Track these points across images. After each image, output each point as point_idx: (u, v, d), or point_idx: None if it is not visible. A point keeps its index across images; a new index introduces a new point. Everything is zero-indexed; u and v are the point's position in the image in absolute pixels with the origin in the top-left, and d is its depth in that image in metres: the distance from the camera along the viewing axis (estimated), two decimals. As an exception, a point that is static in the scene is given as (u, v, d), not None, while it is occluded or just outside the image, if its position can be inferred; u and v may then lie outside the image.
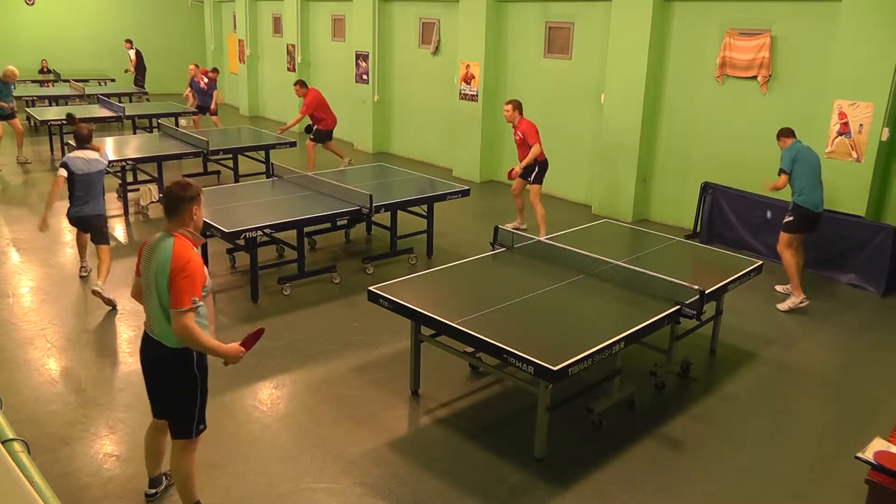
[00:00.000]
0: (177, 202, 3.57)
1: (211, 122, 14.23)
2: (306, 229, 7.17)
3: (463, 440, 4.63)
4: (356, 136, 14.77)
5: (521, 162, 8.74)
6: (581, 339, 4.31)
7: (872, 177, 7.64)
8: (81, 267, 7.31)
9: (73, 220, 6.85)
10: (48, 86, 18.13)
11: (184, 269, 3.39)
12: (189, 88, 14.21)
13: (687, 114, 9.41)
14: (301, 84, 11.63)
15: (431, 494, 4.08)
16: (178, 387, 3.58)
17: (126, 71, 18.98)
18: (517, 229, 7.81)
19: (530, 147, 8.56)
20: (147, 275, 3.56)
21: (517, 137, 8.76)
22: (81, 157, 6.79)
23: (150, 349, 3.60)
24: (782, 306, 6.91)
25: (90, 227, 6.91)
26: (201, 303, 3.46)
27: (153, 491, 3.96)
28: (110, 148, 10.18)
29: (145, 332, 3.64)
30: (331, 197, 7.46)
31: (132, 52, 18.18)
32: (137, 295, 3.80)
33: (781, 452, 4.63)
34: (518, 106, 8.73)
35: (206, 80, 14.01)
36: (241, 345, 3.58)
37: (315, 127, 11.59)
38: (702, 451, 4.61)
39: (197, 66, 14.47)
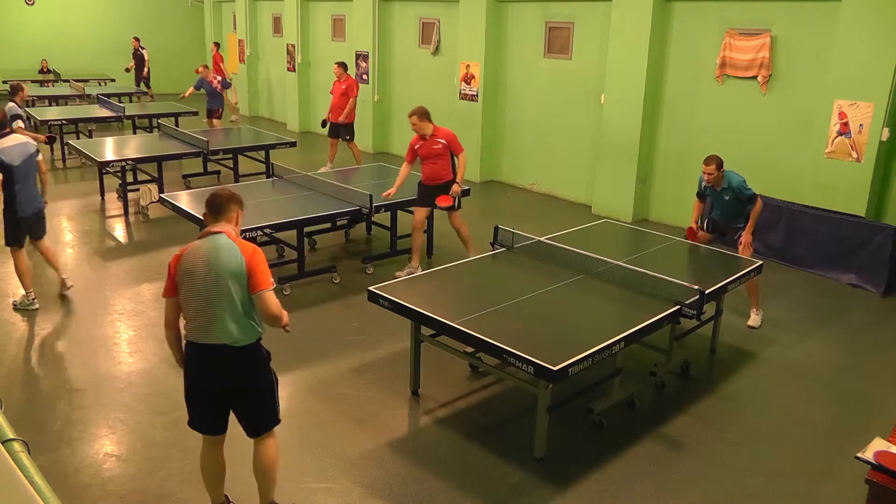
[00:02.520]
0: (225, 201, 3.60)
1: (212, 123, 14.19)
2: (306, 229, 7.17)
3: (463, 440, 4.63)
4: (356, 135, 14.75)
5: (428, 182, 7.32)
6: (581, 339, 4.31)
7: (872, 177, 7.64)
8: (63, 280, 6.61)
9: (29, 218, 6.08)
10: (48, 86, 18.13)
11: (255, 254, 3.45)
12: (191, 88, 14.14)
13: (687, 114, 9.41)
14: (344, 67, 11.64)
15: (431, 494, 4.08)
16: (262, 382, 3.57)
17: (127, 70, 18.96)
18: (411, 274, 6.94)
19: (455, 157, 7.27)
20: (206, 281, 3.38)
21: (437, 148, 7.18)
22: (10, 146, 5.85)
23: (226, 364, 3.45)
24: (754, 322, 6.52)
25: (38, 220, 6.24)
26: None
27: None
28: (110, 148, 10.20)
29: (208, 350, 3.43)
30: (331, 197, 7.46)
31: (144, 52, 18.21)
32: (174, 317, 3.56)
33: (781, 452, 4.63)
34: (425, 114, 7.19)
35: (218, 80, 13.98)
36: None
37: (343, 124, 11.62)
38: (702, 451, 4.61)
39: (206, 66, 14.46)
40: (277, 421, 3.69)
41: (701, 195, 6.66)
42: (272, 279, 3.50)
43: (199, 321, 3.42)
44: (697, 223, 6.69)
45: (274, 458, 3.69)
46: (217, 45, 17.58)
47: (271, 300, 3.42)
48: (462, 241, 7.67)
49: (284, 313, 3.51)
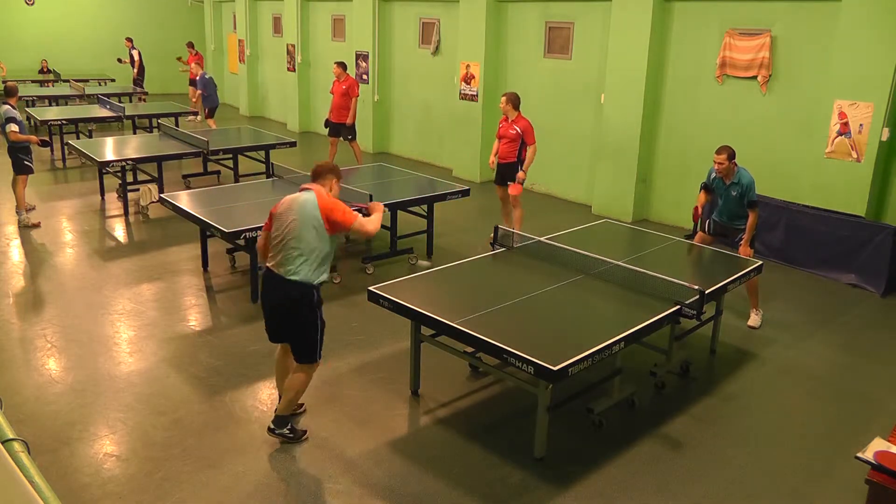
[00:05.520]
0: (324, 171, 4.50)
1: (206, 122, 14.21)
2: (306, 229, 7.17)
3: (463, 440, 4.63)
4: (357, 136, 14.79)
5: (502, 160, 8.21)
6: (581, 339, 4.31)
7: (872, 177, 7.64)
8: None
9: None
10: (48, 86, 18.12)
11: (332, 204, 4.30)
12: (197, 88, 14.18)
13: (687, 114, 9.41)
14: (344, 67, 11.65)
15: (431, 494, 4.08)
16: (305, 320, 4.34)
17: (119, 60, 18.87)
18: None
19: (525, 146, 8.05)
20: (288, 224, 4.26)
21: (511, 133, 8.06)
22: None
23: (281, 289, 4.29)
24: (754, 323, 6.50)
25: None
26: (357, 210, 4.60)
27: (273, 428, 4.60)
28: (110, 148, 10.20)
29: (273, 276, 4.31)
30: (331, 197, 7.45)
31: (135, 53, 18.15)
32: (264, 247, 4.51)
33: (781, 452, 4.63)
34: (513, 100, 8.06)
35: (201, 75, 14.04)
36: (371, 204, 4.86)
37: (346, 124, 11.61)
38: (702, 451, 4.61)
39: (197, 63, 14.48)
40: (313, 359, 4.41)
41: (707, 187, 6.59)
42: (351, 214, 4.33)
43: (274, 253, 4.34)
44: (703, 208, 6.65)
45: (296, 384, 4.43)
46: (191, 44, 17.65)
47: (361, 227, 4.41)
48: (513, 218, 8.44)
49: (374, 219, 4.58)
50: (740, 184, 6.27)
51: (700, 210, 6.69)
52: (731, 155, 6.24)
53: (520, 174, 8.11)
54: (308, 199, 4.30)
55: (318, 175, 4.49)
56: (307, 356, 4.41)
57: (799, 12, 8.20)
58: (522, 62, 11.39)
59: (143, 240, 8.60)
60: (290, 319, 4.38)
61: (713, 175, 6.48)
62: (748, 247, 6.33)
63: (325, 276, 4.38)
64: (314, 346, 4.40)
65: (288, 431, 4.49)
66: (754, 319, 6.52)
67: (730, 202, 6.43)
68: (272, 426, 4.50)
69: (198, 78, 13.94)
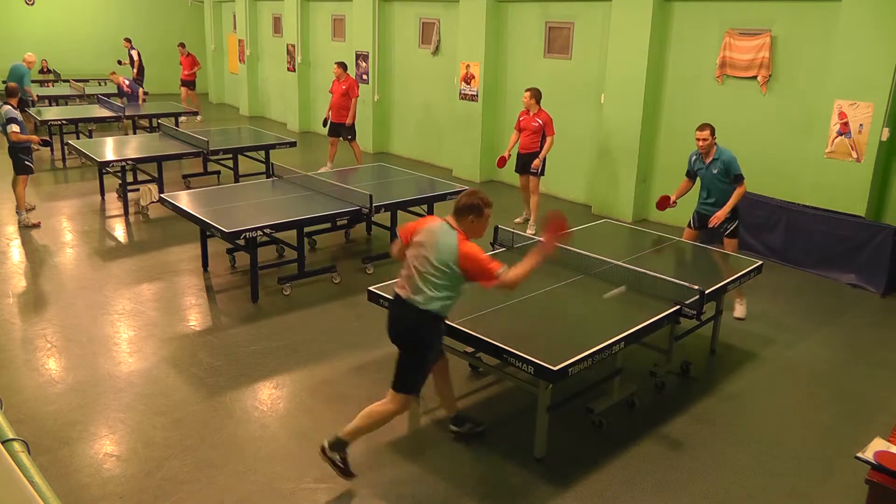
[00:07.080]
0: (464, 209, 4.02)
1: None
2: (306, 229, 7.17)
3: (463, 440, 4.63)
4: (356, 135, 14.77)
5: (521, 150, 9.06)
6: (581, 339, 4.31)
7: (872, 177, 7.64)
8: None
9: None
10: (48, 86, 18.10)
11: (475, 256, 3.89)
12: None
13: (687, 114, 9.40)
14: (344, 67, 11.67)
15: (431, 494, 4.08)
16: (417, 344, 4.05)
17: (120, 62, 18.88)
18: (527, 219, 9.30)
19: (545, 137, 8.87)
20: (424, 252, 3.98)
21: (534, 125, 8.83)
22: None
23: (405, 313, 4.05)
24: (740, 313, 6.61)
25: None
26: (503, 268, 3.92)
27: (456, 429, 4.61)
28: (110, 148, 10.20)
29: (401, 300, 4.07)
30: (331, 197, 7.46)
31: (134, 53, 18.11)
32: (401, 254, 4.23)
33: (781, 452, 4.63)
34: (536, 94, 8.83)
35: (127, 83, 14.56)
36: (545, 239, 4.16)
37: (345, 124, 11.63)
38: (702, 451, 4.61)
39: (115, 73, 15.27)
40: (406, 389, 4.07)
41: (690, 174, 6.65)
42: (493, 268, 3.88)
43: (406, 279, 4.08)
44: (676, 199, 6.72)
45: (375, 413, 4.09)
46: (182, 44, 17.82)
47: (504, 284, 3.93)
48: (530, 204, 9.30)
49: (521, 271, 3.97)
50: (721, 159, 6.34)
51: (673, 200, 6.68)
52: (714, 131, 6.35)
53: (535, 161, 8.86)
54: (450, 241, 3.93)
55: (457, 211, 4.04)
56: (399, 385, 4.08)
57: (799, 12, 8.20)
58: (522, 62, 11.39)
59: (143, 240, 8.60)
60: (402, 347, 4.12)
61: (694, 158, 6.55)
62: (726, 212, 6.32)
63: (444, 310, 4.04)
64: (405, 376, 4.07)
65: (340, 461, 4.06)
66: (742, 309, 6.60)
67: (712, 181, 6.42)
68: (326, 445, 4.05)
69: (127, 82, 14.80)
